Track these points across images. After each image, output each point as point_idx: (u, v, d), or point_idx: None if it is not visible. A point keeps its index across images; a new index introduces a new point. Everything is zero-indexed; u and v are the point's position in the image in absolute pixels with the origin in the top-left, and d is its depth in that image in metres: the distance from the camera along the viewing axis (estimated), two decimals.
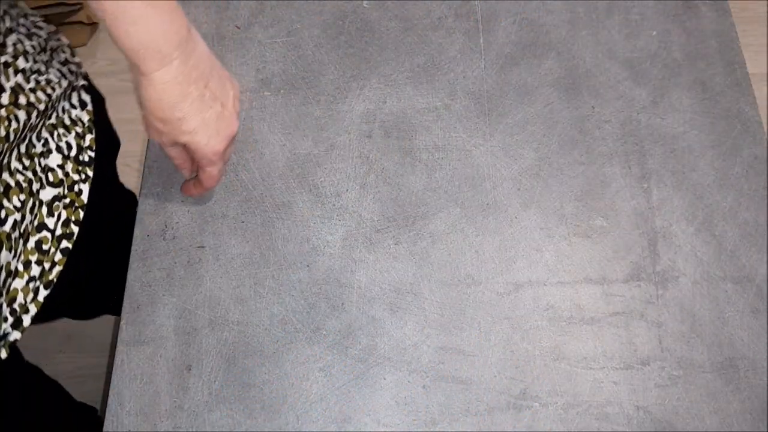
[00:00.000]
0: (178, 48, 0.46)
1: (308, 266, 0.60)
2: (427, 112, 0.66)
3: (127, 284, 0.59)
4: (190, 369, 0.56)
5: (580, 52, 0.68)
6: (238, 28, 0.71)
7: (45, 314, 0.77)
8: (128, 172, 1.33)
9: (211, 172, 0.54)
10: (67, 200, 0.57)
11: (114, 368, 0.56)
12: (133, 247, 0.61)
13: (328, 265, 0.60)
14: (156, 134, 0.50)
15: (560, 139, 0.64)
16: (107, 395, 0.56)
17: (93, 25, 1.50)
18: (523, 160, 0.63)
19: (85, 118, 0.60)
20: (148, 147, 0.65)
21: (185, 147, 0.52)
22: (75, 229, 0.57)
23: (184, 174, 0.56)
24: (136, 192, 0.77)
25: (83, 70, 0.63)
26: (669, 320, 0.57)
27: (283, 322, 0.58)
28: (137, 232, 0.61)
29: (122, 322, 0.58)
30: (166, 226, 0.61)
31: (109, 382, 0.56)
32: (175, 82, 0.47)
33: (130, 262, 0.60)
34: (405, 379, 0.55)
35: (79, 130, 0.59)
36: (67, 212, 0.57)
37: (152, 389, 0.55)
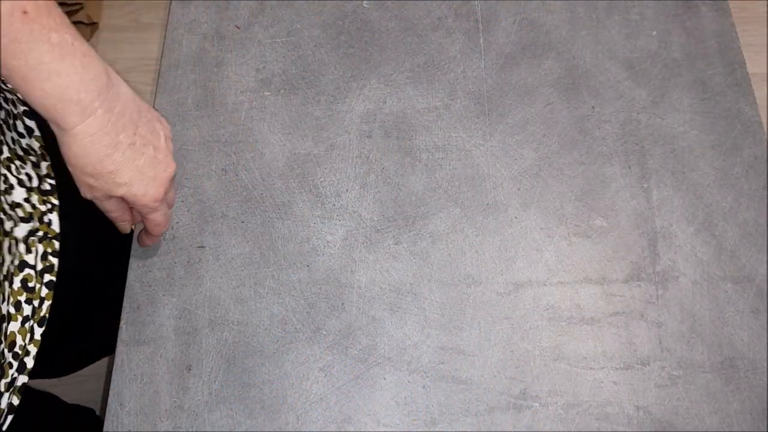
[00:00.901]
0: (99, 96, 0.43)
1: (308, 266, 0.60)
2: (427, 112, 0.66)
3: (127, 284, 0.59)
4: (190, 369, 0.56)
5: (580, 52, 0.68)
6: (238, 28, 0.71)
7: (66, 359, 0.75)
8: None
9: (156, 219, 0.51)
10: (41, 233, 0.54)
11: (114, 368, 0.56)
12: (133, 247, 0.61)
13: (328, 265, 0.60)
14: (87, 190, 0.47)
15: (560, 139, 0.64)
16: (107, 395, 0.56)
17: (93, 24, 1.50)
18: (523, 160, 0.63)
19: (36, 145, 0.57)
20: None
21: (122, 198, 0.48)
22: (54, 260, 0.55)
23: (125, 228, 0.53)
24: None
25: (19, 95, 0.60)
26: (669, 320, 0.57)
27: (283, 322, 0.58)
28: (137, 231, 0.61)
29: (122, 322, 0.58)
30: None
31: (109, 382, 0.56)
32: (102, 133, 0.44)
33: (130, 262, 0.60)
34: (405, 379, 0.55)
35: (33, 159, 0.56)
36: (43, 245, 0.54)
37: (152, 389, 0.55)
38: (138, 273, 0.60)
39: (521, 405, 0.54)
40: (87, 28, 1.48)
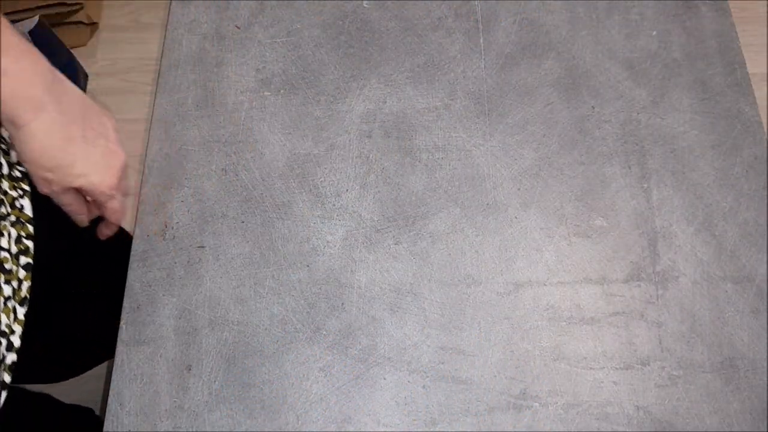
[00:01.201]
0: (48, 91, 0.46)
1: (308, 266, 0.60)
2: (427, 112, 0.66)
3: (127, 284, 0.59)
4: (190, 369, 0.56)
5: (580, 52, 0.68)
6: (238, 28, 0.71)
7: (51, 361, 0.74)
8: (128, 172, 1.33)
9: (114, 207, 0.53)
10: (13, 218, 0.55)
11: (114, 368, 0.56)
12: (133, 247, 0.61)
13: (328, 265, 0.60)
14: (45, 185, 0.49)
15: (560, 139, 0.64)
16: (107, 395, 0.56)
17: (93, 25, 1.50)
18: (523, 160, 0.63)
19: (6, 133, 0.59)
20: (147, 147, 0.65)
21: (78, 190, 0.51)
22: (29, 243, 0.56)
23: (83, 221, 0.55)
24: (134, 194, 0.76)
25: None
26: (669, 320, 0.57)
27: (283, 322, 0.58)
28: (137, 232, 0.61)
29: (122, 323, 0.58)
30: (166, 226, 0.61)
31: (109, 382, 0.56)
32: (56, 127, 0.46)
33: (130, 263, 0.60)
34: (405, 379, 0.55)
35: (3, 146, 0.57)
36: (16, 229, 0.56)
37: (152, 389, 0.55)
38: (138, 273, 0.60)
39: (521, 405, 0.54)
40: (87, 28, 1.48)
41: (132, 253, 0.60)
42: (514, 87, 0.67)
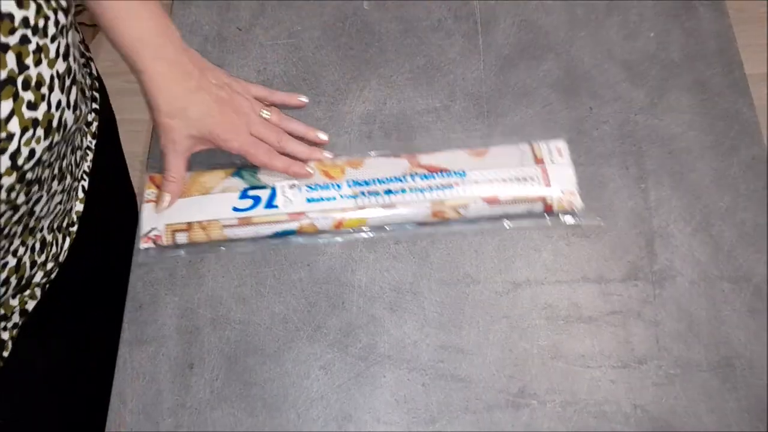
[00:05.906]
0: (164, 34, 0.52)
1: (309, 265, 0.60)
2: (427, 114, 0.66)
3: (130, 284, 0.60)
4: (192, 367, 0.56)
5: (579, 53, 0.68)
6: (239, 29, 0.71)
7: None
8: (129, 172, 1.33)
9: (270, 161, 0.59)
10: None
11: (116, 367, 0.57)
12: (136, 248, 0.61)
13: (329, 265, 0.60)
14: (167, 132, 0.54)
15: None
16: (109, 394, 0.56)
17: (95, 26, 1.51)
18: None
19: None
20: (150, 148, 0.66)
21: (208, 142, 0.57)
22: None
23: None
24: (138, 193, 0.77)
25: None
26: (666, 319, 0.57)
27: (284, 320, 0.58)
28: (139, 231, 0.62)
29: (124, 322, 0.58)
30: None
31: (112, 381, 0.56)
32: (174, 70, 0.51)
33: (132, 262, 0.61)
34: (405, 377, 0.56)
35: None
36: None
37: (154, 388, 0.56)
38: (140, 272, 0.60)
39: (519, 403, 0.55)
40: (89, 29, 1.49)
41: (134, 252, 0.61)
42: (513, 88, 0.67)
